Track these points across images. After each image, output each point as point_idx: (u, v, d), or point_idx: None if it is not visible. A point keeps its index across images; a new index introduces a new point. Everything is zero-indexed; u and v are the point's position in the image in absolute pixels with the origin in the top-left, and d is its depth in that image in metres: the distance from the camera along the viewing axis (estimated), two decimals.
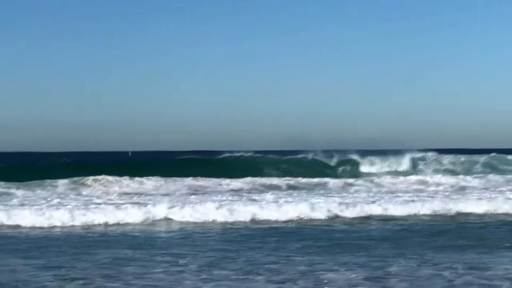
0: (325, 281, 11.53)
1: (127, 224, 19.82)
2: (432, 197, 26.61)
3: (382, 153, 42.69)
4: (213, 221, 20.27)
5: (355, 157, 42.20)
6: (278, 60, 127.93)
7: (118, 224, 19.73)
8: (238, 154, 42.21)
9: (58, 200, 25.43)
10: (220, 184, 31.84)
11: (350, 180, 34.08)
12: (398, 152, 43.21)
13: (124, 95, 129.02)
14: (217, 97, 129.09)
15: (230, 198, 26.07)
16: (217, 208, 21.22)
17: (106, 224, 19.71)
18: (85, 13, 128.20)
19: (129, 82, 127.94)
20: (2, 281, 11.66)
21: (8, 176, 33.52)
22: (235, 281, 11.63)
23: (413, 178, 36.04)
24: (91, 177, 31.06)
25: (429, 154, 44.06)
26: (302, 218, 20.83)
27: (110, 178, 31.35)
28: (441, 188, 32.44)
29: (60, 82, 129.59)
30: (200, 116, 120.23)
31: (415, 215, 21.76)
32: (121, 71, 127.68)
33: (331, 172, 39.74)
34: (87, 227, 19.22)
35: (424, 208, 22.34)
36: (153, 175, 32.28)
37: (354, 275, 11.91)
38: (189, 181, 31.94)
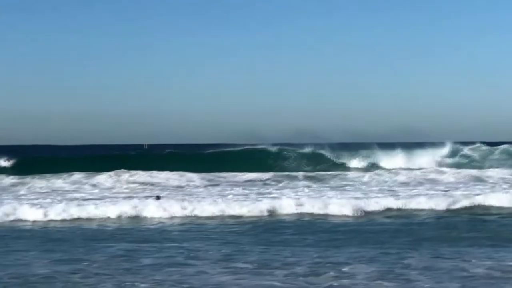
0: (346, 274, 11.45)
1: (141, 217, 19.74)
2: (448, 190, 26.60)
3: (402, 146, 42.12)
4: (228, 214, 20.10)
5: (370, 149, 41.88)
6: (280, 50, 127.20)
7: (132, 217, 19.66)
8: (261, 147, 41.85)
9: (72, 193, 25.53)
10: (237, 176, 31.67)
11: (366, 173, 34.06)
12: (419, 145, 42.56)
13: (141, 88, 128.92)
14: (223, 90, 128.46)
15: (245, 190, 26.06)
16: (231, 201, 21.14)
17: (120, 217, 19.62)
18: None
19: (147, 74, 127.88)
20: (21, 275, 11.59)
21: (24, 169, 33.76)
22: (253, 274, 11.57)
23: (430, 170, 35.89)
24: (107, 172, 31.06)
25: (449, 145, 43.55)
26: (318, 211, 20.51)
27: (124, 171, 31.37)
28: (460, 180, 32.28)
29: (77, 75, 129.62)
30: (211, 110, 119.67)
31: (430, 208, 21.46)
32: (139, 64, 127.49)
33: (347, 165, 39.50)
34: (101, 220, 19.20)
35: (440, 201, 22.17)
36: (168, 168, 32.30)
37: (373, 269, 11.86)
38: (204, 173, 31.89)
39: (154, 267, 12.13)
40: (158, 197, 21.92)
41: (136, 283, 10.89)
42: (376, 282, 10.91)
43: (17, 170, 34.44)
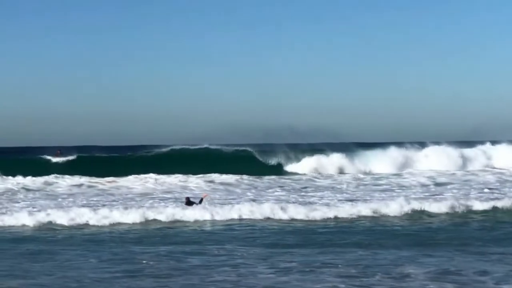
0: (400, 275, 11.33)
1: (178, 221, 19.36)
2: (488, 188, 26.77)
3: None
4: (265, 218, 19.60)
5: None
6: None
7: (171, 221, 19.31)
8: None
9: (113, 197, 25.77)
10: (272, 180, 31.72)
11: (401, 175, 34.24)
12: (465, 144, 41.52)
13: (174, 91, 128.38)
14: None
15: (281, 194, 26.17)
16: (268, 206, 20.67)
17: (158, 221, 19.26)
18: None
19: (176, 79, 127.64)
20: (72, 277, 11.62)
21: (64, 169, 33.97)
22: (303, 273, 11.51)
23: (460, 172, 35.96)
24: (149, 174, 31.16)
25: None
26: (356, 214, 19.98)
27: (169, 175, 31.37)
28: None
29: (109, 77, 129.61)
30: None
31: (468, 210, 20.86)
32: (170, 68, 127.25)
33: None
34: (139, 224, 18.99)
35: (484, 202, 21.67)
36: (201, 171, 32.56)
37: (427, 270, 11.72)
38: (235, 176, 31.88)
39: (205, 268, 12.09)
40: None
41: (194, 284, 10.89)
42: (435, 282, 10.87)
43: (58, 168, 34.67)
